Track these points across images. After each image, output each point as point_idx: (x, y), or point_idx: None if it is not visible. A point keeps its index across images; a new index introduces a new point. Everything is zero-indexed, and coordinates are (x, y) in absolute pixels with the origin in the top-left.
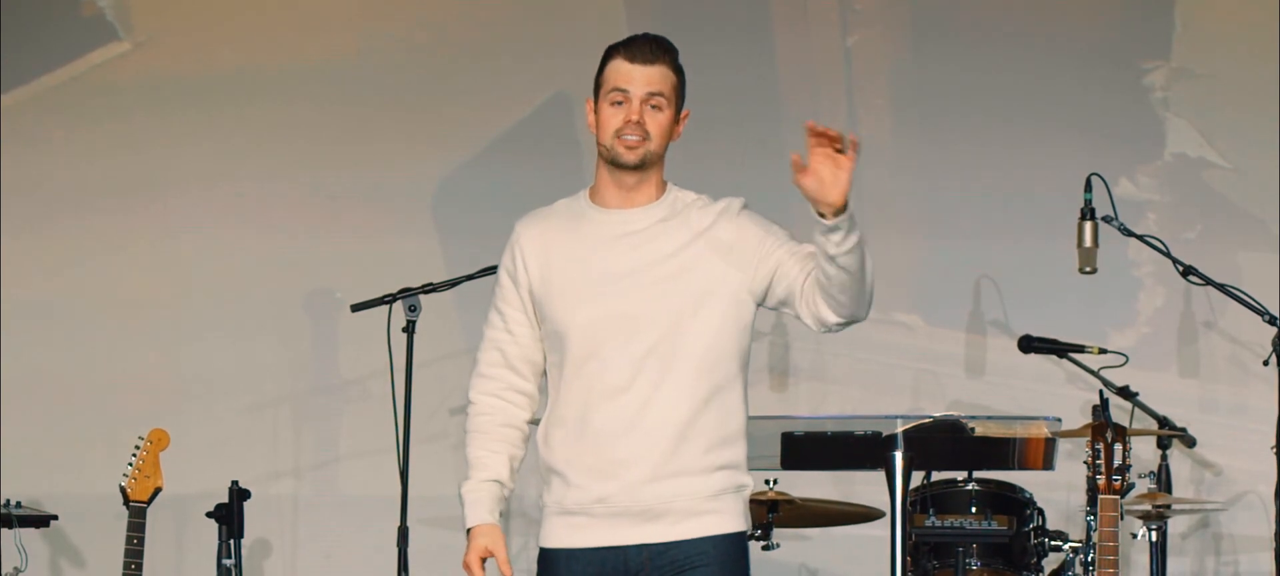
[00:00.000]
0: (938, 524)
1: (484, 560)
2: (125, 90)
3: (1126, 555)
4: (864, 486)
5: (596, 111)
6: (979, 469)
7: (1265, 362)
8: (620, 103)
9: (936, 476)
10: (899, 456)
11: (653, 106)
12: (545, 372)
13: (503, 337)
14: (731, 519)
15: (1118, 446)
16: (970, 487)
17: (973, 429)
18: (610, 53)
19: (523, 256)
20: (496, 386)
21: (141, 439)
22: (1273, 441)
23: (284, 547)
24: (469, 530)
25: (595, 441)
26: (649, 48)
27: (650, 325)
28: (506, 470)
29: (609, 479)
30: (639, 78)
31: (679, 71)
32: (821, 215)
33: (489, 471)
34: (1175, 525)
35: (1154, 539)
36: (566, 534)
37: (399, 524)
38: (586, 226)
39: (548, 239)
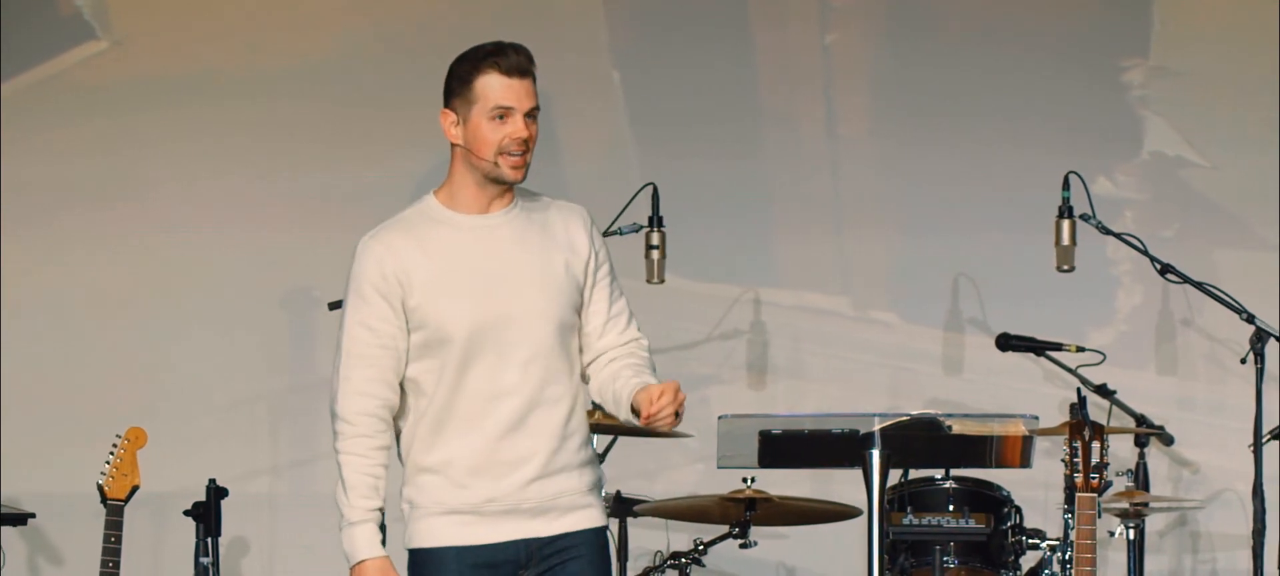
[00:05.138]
0: (915, 522)
1: None
2: (103, 89)
3: (1104, 553)
4: (842, 484)
5: (464, 123)
6: (956, 467)
7: (1243, 360)
8: (502, 117)
9: (914, 474)
10: (876, 454)
11: (531, 119)
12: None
13: (375, 353)
14: (600, 513)
15: (1095, 444)
16: (948, 486)
17: (950, 427)
18: (478, 65)
19: (388, 269)
20: (373, 404)
21: (119, 437)
22: (1250, 439)
23: (261, 545)
24: (360, 563)
25: (482, 442)
26: (523, 60)
27: (529, 325)
28: (383, 495)
29: (498, 479)
30: (521, 92)
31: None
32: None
33: (371, 500)
34: (1153, 523)
35: (1131, 537)
36: (452, 531)
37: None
38: (450, 232)
39: (411, 248)
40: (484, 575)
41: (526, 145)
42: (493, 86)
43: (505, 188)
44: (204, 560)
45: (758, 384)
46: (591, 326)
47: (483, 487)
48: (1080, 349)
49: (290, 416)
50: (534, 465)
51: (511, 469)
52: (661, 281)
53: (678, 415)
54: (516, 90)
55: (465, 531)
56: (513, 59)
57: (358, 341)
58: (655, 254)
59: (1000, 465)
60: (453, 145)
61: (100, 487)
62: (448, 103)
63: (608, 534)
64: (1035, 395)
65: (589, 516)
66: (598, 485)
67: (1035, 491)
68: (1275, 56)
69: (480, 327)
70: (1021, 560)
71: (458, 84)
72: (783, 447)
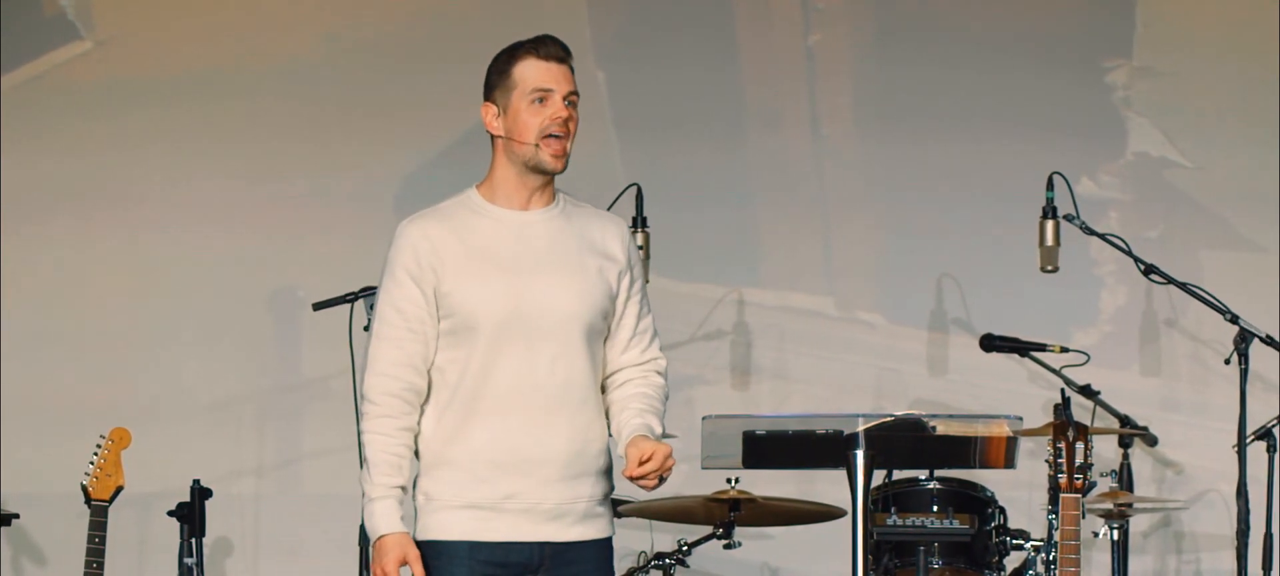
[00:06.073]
0: (899, 522)
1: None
2: (86, 90)
3: (1088, 554)
4: (826, 485)
5: (504, 112)
6: (940, 467)
7: (1227, 361)
8: (542, 100)
9: (898, 475)
10: (861, 455)
11: (570, 104)
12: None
13: (403, 336)
14: (610, 523)
15: (1079, 445)
16: (932, 486)
17: (934, 427)
18: (516, 53)
19: (423, 255)
20: (398, 386)
21: (103, 437)
22: (1234, 439)
23: (246, 546)
24: (380, 537)
25: (505, 436)
26: (560, 47)
27: (558, 322)
28: (407, 475)
29: (521, 476)
30: (559, 76)
31: None
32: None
33: (394, 477)
34: (1137, 524)
35: (1115, 537)
36: (468, 525)
37: (361, 522)
38: (488, 223)
39: (447, 236)
40: (494, 572)
41: (567, 128)
42: (530, 71)
43: (546, 183)
44: (188, 560)
45: (742, 384)
46: (617, 340)
47: (504, 483)
48: (1064, 349)
49: (275, 417)
50: (556, 465)
51: (534, 466)
52: (646, 281)
53: (662, 479)
54: (554, 73)
55: (481, 526)
56: (550, 46)
57: (387, 322)
58: (639, 254)
59: (984, 466)
60: (494, 138)
61: (84, 488)
62: (488, 95)
63: (613, 544)
64: (1019, 396)
65: (601, 526)
66: (610, 494)
67: (1019, 492)
68: (1262, 57)
69: (507, 318)
70: (1005, 561)
71: (496, 76)
72: (767, 448)
